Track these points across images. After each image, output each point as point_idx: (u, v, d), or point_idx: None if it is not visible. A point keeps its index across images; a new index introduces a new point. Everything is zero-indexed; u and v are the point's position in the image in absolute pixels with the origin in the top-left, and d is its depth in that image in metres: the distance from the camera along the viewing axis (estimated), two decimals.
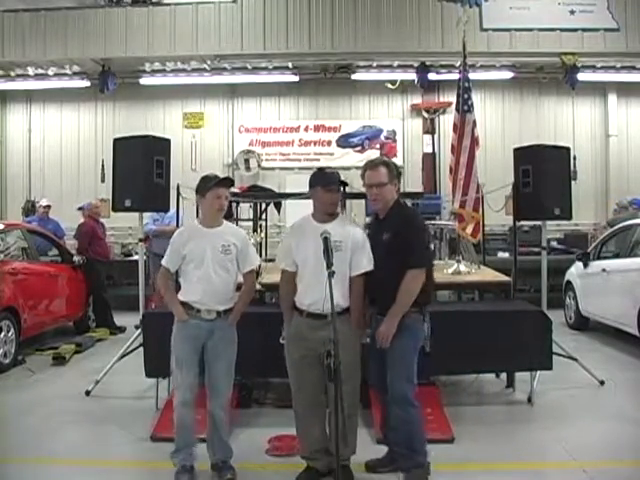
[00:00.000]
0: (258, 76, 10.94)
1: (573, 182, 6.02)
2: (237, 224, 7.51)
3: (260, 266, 4.90)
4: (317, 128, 11.53)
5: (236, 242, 3.61)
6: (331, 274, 3.02)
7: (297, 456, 3.67)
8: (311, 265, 3.40)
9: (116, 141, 5.53)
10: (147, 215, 7.07)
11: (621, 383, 5.52)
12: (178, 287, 3.69)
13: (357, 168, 9.94)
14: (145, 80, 11.01)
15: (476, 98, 6.55)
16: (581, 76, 10.09)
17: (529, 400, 4.93)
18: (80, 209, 8.85)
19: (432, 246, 5.51)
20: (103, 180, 10.94)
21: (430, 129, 11.35)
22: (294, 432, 3.66)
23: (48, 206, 9.50)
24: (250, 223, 6.93)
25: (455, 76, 8.12)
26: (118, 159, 5.44)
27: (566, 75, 10.05)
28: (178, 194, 5.59)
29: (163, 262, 3.68)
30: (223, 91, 11.52)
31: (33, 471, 3.76)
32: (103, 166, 11.01)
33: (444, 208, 9.64)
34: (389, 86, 11.13)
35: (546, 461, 3.92)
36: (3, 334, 6.07)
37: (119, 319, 8.18)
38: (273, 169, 11.50)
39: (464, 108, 6.01)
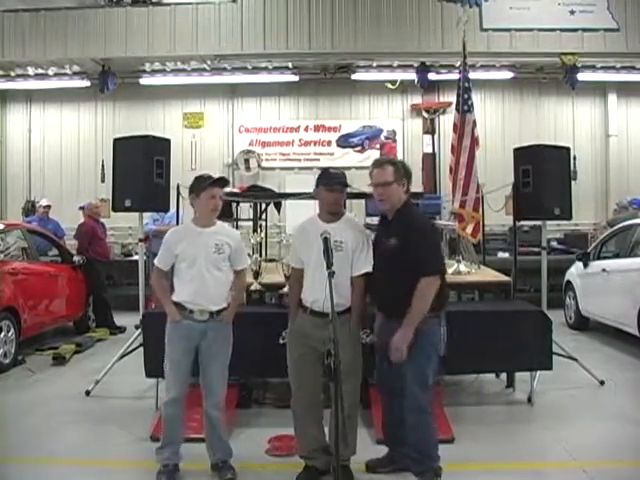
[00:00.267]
0: (258, 76, 10.93)
1: (573, 182, 6.02)
2: (237, 224, 7.57)
3: (260, 266, 4.91)
4: (317, 128, 11.53)
5: (229, 241, 3.60)
6: (331, 274, 3.02)
7: (297, 456, 3.67)
8: (313, 264, 3.43)
9: (116, 141, 5.53)
10: (147, 215, 7.07)
11: (621, 383, 5.52)
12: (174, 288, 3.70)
13: (357, 168, 10.14)
14: (145, 80, 11.00)
15: (476, 98, 6.55)
16: (581, 76, 10.08)
17: (529, 400, 4.93)
18: (82, 208, 8.86)
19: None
20: (103, 180, 10.94)
21: (430, 129, 11.34)
22: (293, 432, 3.66)
23: (48, 206, 9.50)
24: (250, 223, 6.94)
25: (455, 76, 8.12)
26: (118, 159, 5.43)
27: (566, 75, 10.04)
28: (178, 194, 5.58)
29: (155, 262, 3.68)
30: (223, 91, 11.52)
31: (33, 471, 3.76)
32: (103, 166, 11.00)
33: (444, 208, 9.63)
34: (389, 86, 11.13)
35: (546, 461, 3.92)
36: (3, 334, 6.07)
37: (119, 319, 8.19)
38: (273, 169, 11.50)
39: (464, 108, 6.01)
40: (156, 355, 3.66)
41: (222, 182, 3.66)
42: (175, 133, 10.44)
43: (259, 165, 11.41)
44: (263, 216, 7.42)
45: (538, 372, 4.96)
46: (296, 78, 11.02)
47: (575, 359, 5.49)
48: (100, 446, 4.19)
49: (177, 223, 5.62)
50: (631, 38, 9.64)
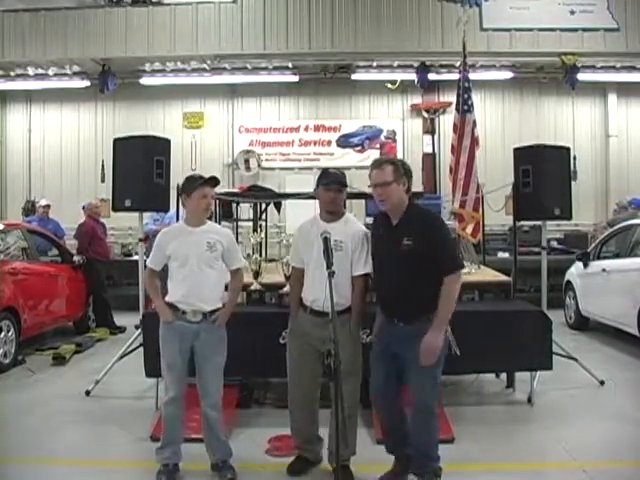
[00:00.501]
0: (258, 76, 10.94)
1: (573, 182, 6.01)
2: (237, 224, 7.57)
3: (260, 266, 4.91)
4: (317, 128, 11.54)
5: (221, 239, 3.59)
6: (331, 274, 3.03)
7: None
8: (313, 263, 3.45)
9: (116, 141, 5.53)
10: (147, 215, 7.07)
11: (621, 383, 5.51)
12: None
13: (357, 168, 10.15)
14: (145, 80, 11.01)
15: (476, 98, 6.55)
16: (581, 76, 10.09)
17: (529, 400, 4.92)
18: (84, 208, 8.86)
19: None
20: (103, 180, 10.95)
21: (430, 129, 11.35)
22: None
23: (48, 206, 9.50)
24: (250, 223, 6.94)
25: (455, 76, 8.12)
26: (118, 159, 5.43)
27: (566, 75, 10.05)
28: (178, 194, 5.58)
29: (147, 262, 3.68)
30: (223, 91, 11.53)
31: (33, 471, 3.76)
32: (103, 166, 11.02)
33: (444, 208, 9.62)
34: (389, 86, 11.14)
35: (546, 461, 3.92)
36: (3, 334, 6.07)
37: (119, 319, 8.18)
38: (273, 169, 11.50)
39: (464, 108, 6.01)
40: (156, 355, 3.66)
41: (213, 182, 3.66)
42: (175, 133, 10.45)
43: (259, 165, 11.41)
44: (263, 216, 7.43)
45: (538, 372, 4.95)
46: (296, 78, 11.02)
47: (575, 359, 5.49)
48: (100, 446, 4.19)
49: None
50: (631, 38, 9.65)
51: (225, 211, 7.12)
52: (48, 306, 7.20)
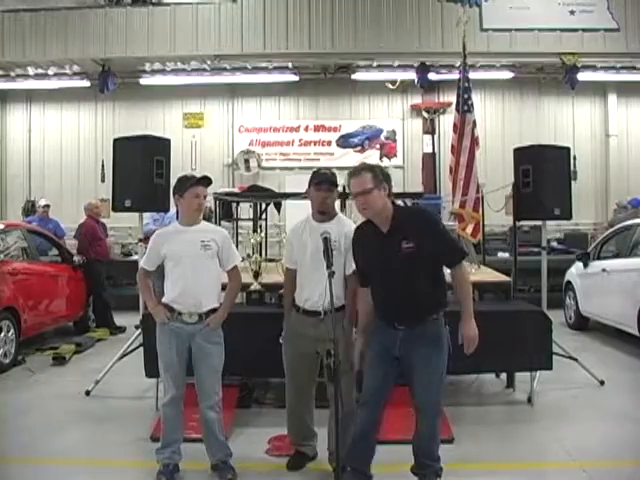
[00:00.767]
0: (258, 76, 10.93)
1: (573, 182, 6.02)
2: (237, 224, 7.58)
3: (260, 266, 4.91)
4: (317, 128, 11.54)
5: (215, 238, 3.58)
6: (331, 274, 3.03)
7: None
8: (307, 263, 3.47)
9: (116, 141, 5.53)
10: (147, 215, 7.05)
11: (621, 383, 5.52)
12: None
13: None
14: (145, 80, 11.01)
15: (476, 98, 6.56)
16: (581, 76, 10.08)
17: (529, 400, 4.92)
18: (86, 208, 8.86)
19: None
20: (103, 180, 10.95)
21: (430, 129, 11.36)
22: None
23: (47, 205, 9.48)
24: (250, 223, 6.94)
25: (455, 76, 8.12)
26: (118, 159, 5.43)
27: (566, 75, 10.05)
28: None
29: (141, 262, 3.68)
30: (223, 91, 11.53)
31: (33, 471, 3.76)
32: (103, 166, 11.02)
33: (444, 208, 9.64)
34: (389, 86, 11.14)
35: (546, 461, 3.91)
36: (3, 334, 6.07)
37: (119, 319, 8.18)
38: (273, 169, 11.50)
39: (464, 108, 6.02)
40: (156, 355, 3.65)
41: (206, 181, 3.65)
42: (175, 133, 10.45)
43: (259, 165, 11.41)
44: (263, 216, 7.43)
45: (538, 372, 4.95)
46: (296, 78, 11.02)
47: (575, 359, 5.49)
48: (100, 446, 4.19)
49: None
50: (631, 38, 9.65)
51: (225, 211, 7.13)
52: (48, 306, 7.20)
